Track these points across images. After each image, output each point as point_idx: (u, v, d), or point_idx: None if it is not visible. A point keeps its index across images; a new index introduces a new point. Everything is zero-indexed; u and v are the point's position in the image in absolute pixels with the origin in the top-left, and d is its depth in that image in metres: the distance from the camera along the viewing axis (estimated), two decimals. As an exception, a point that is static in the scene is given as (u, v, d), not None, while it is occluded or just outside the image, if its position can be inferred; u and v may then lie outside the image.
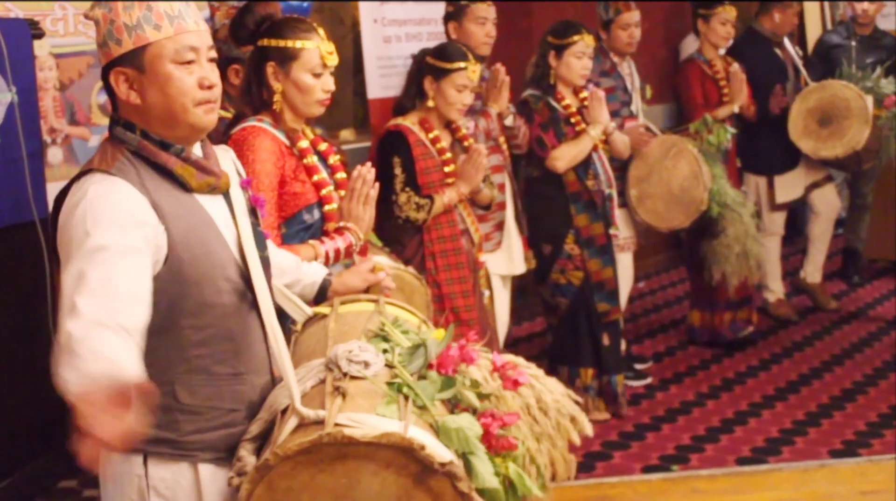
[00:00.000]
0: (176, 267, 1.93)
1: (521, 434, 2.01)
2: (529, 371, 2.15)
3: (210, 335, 2.00)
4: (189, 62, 1.97)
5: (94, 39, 4.82)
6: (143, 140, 1.97)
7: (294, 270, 2.48)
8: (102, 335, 1.67)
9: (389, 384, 1.89)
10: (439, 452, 1.74)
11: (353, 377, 1.88)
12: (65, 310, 1.72)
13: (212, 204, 2.04)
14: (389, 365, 1.94)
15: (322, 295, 2.49)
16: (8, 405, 3.68)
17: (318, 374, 1.93)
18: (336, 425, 1.71)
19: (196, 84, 1.97)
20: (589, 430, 2.16)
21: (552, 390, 2.14)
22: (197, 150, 2.06)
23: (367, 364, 1.90)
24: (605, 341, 4.59)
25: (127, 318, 1.74)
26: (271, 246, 2.45)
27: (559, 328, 4.66)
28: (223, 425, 2.00)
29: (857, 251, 6.91)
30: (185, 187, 1.99)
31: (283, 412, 1.88)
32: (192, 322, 1.98)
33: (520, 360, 2.16)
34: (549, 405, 2.09)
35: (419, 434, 1.75)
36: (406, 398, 1.86)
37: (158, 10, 1.96)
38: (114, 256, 1.80)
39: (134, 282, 1.81)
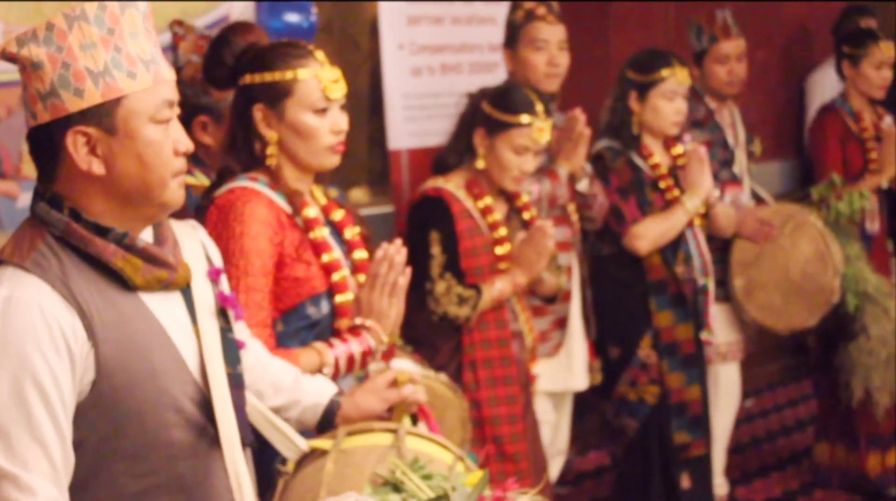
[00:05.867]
0: (108, 396, 1.91)
1: None
2: None
3: (154, 485, 1.98)
4: (166, 121, 1.98)
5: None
6: (73, 223, 1.96)
7: (291, 387, 2.46)
8: None
9: None
10: None
11: None
12: None
13: (164, 305, 2.03)
14: None
15: (328, 421, 2.45)
16: None
17: None
18: None
19: (172, 150, 1.99)
20: None
21: None
22: (147, 232, 2.06)
23: None
24: (685, 483, 4.49)
25: (63, 485, 1.84)
26: (260, 352, 2.47)
27: (626, 461, 4.60)
28: None
29: None
30: (126, 285, 1.97)
31: None
32: (129, 468, 1.95)
33: None
34: None
35: None
36: None
37: (129, 53, 1.95)
38: (36, 395, 1.83)
39: (61, 431, 1.86)
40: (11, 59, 1.95)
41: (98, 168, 1.94)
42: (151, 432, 1.96)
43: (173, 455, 1.98)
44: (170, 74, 2.00)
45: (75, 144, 1.93)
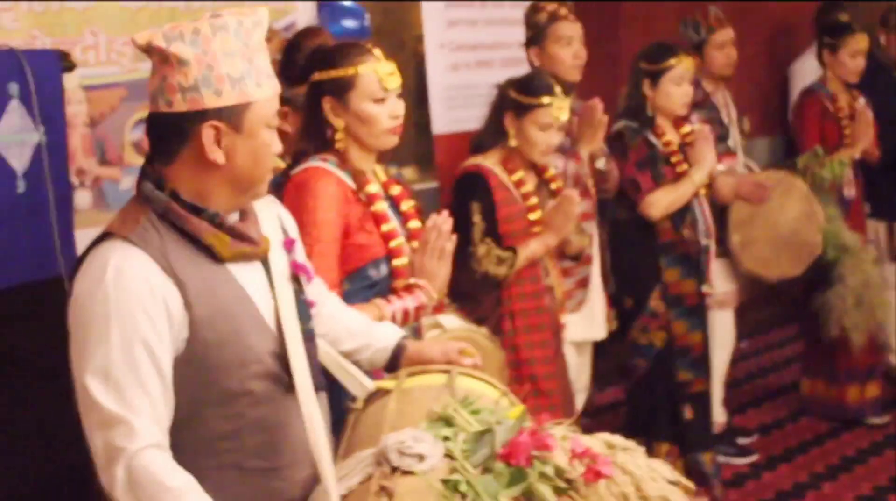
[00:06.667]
0: (199, 351, 1.93)
1: None
2: (627, 453, 2.00)
3: (240, 426, 1.98)
4: (274, 127, 2.02)
5: (127, 69, 4.84)
6: (172, 203, 1.96)
7: (364, 332, 2.44)
8: (167, 461, 1.84)
9: (446, 481, 1.80)
10: None
11: (404, 473, 1.82)
12: (102, 420, 1.83)
13: (246, 273, 2.03)
14: (450, 456, 1.86)
15: (395, 362, 2.43)
16: (13, 487, 3.64)
17: (365, 468, 1.89)
18: None
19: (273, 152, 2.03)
20: None
21: (656, 476, 1.98)
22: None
23: (421, 457, 1.84)
24: (688, 414, 4.46)
25: (165, 430, 1.88)
26: (338, 304, 2.48)
27: (635, 394, 4.58)
28: None
29: None
30: (215, 257, 1.98)
31: None
32: (219, 412, 1.96)
33: (618, 439, 2.03)
34: (651, 496, 1.93)
35: None
36: (464, 497, 1.78)
37: (258, 66, 1.97)
38: (142, 351, 1.85)
39: (164, 381, 1.88)
40: (156, 51, 1.94)
41: (220, 158, 1.95)
42: (237, 381, 1.96)
43: (256, 400, 1.98)
44: (278, 88, 2.03)
45: (207, 135, 1.93)
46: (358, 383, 2.32)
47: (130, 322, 1.85)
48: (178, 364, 1.91)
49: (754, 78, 6.53)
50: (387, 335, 2.46)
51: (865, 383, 5.39)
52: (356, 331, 2.43)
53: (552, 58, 4.25)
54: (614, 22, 6.05)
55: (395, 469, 1.83)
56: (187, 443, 1.92)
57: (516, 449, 1.84)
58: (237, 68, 1.94)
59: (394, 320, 2.68)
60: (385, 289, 2.80)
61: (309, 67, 2.86)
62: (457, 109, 5.10)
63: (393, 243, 2.81)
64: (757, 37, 6.62)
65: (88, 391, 1.83)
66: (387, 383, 2.25)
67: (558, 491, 1.84)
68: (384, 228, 2.81)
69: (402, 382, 2.21)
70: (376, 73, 2.75)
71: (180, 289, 1.90)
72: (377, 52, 2.80)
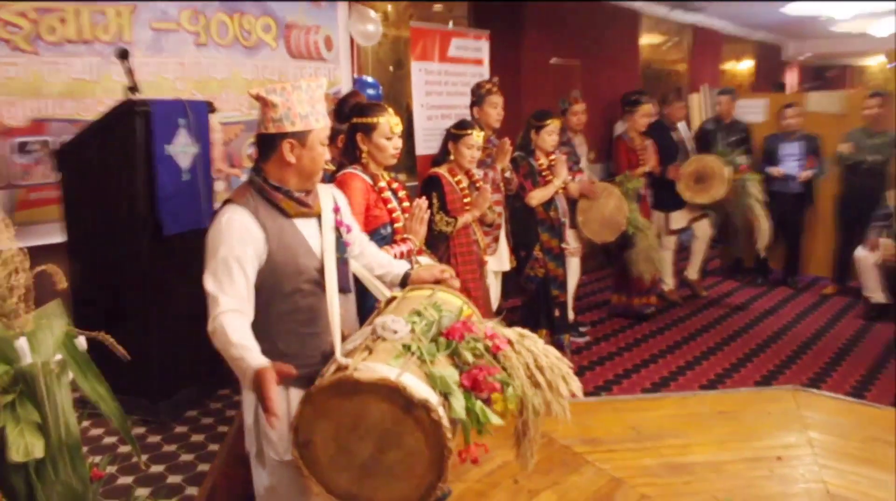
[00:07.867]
0: (273, 266, 1.88)
1: (517, 381, 1.78)
2: (530, 341, 1.90)
3: (296, 308, 1.93)
4: (325, 144, 1.96)
5: (244, 114, 4.83)
6: (264, 184, 1.91)
7: (388, 264, 2.34)
8: (237, 320, 1.76)
9: (405, 345, 1.74)
10: (419, 392, 1.60)
11: (382, 339, 1.77)
12: (210, 299, 1.78)
13: (306, 225, 1.96)
14: (414, 333, 1.80)
15: (404, 282, 2.31)
16: (179, 351, 3.65)
17: (364, 336, 1.84)
18: (356, 370, 1.63)
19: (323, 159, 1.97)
20: (577, 387, 1.83)
21: (548, 353, 1.89)
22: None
23: (395, 332, 1.78)
24: (556, 313, 4.49)
25: (245, 305, 1.81)
26: (374, 249, 2.33)
27: (528, 303, 4.57)
28: (305, 365, 1.91)
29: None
30: (286, 214, 1.92)
31: None
32: (282, 301, 1.91)
33: (526, 331, 1.92)
34: (544, 365, 1.85)
35: (410, 379, 1.62)
36: (413, 354, 1.72)
37: (316, 108, 1.91)
38: (234, 262, 1.81)
39: (247, 279, 1.83)
40: (260, 99, 1.87)
41: (292, 160, 1.91)
42: (294, 284, 1.91)
43: (304, 295, 1.93)
44: (329, 123, 1.97)
45: (286, 147, 1.90)
46: (381, 292, 2.24)
47: (230, 247, 1.81)
48: (262, 272, 1.86)
49: (595, 130, 6.57)
50: (400, 266, 2.36)
51: (644, 297, 5.45)
52: (384, 263, 2.32)
53: (486, 114, 4.19)
54: (518, 94, 6.04)
55: (378, 337, 1.78)
56: (268, 316, 1.89)
57: (451, 330, 1.83)
58: (305, 109, 1.86)
59: (395, 257, 2.58)
60: (390, 240, 2.74)
61: (351, 115, 2.77)
62: (429, 140, 5.05)
63: (395, 215, 2.75)
64: (597, 108, 6.65)
65: (204, 281, 1.80)
66: (396, 293, 2.20)
67: (476, 356, 1.79)
68: (389, 206, 2.75)
69: (405, 293, 2.15)
70: (388, 122, 2.67)
71: (264, 231, 1.85)
72: (390, 109, 2.71)
